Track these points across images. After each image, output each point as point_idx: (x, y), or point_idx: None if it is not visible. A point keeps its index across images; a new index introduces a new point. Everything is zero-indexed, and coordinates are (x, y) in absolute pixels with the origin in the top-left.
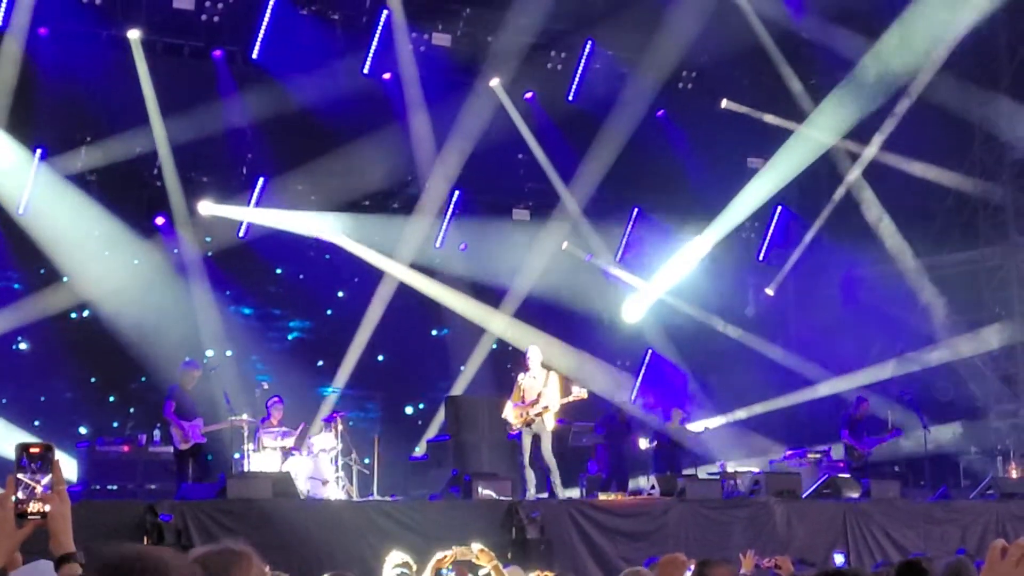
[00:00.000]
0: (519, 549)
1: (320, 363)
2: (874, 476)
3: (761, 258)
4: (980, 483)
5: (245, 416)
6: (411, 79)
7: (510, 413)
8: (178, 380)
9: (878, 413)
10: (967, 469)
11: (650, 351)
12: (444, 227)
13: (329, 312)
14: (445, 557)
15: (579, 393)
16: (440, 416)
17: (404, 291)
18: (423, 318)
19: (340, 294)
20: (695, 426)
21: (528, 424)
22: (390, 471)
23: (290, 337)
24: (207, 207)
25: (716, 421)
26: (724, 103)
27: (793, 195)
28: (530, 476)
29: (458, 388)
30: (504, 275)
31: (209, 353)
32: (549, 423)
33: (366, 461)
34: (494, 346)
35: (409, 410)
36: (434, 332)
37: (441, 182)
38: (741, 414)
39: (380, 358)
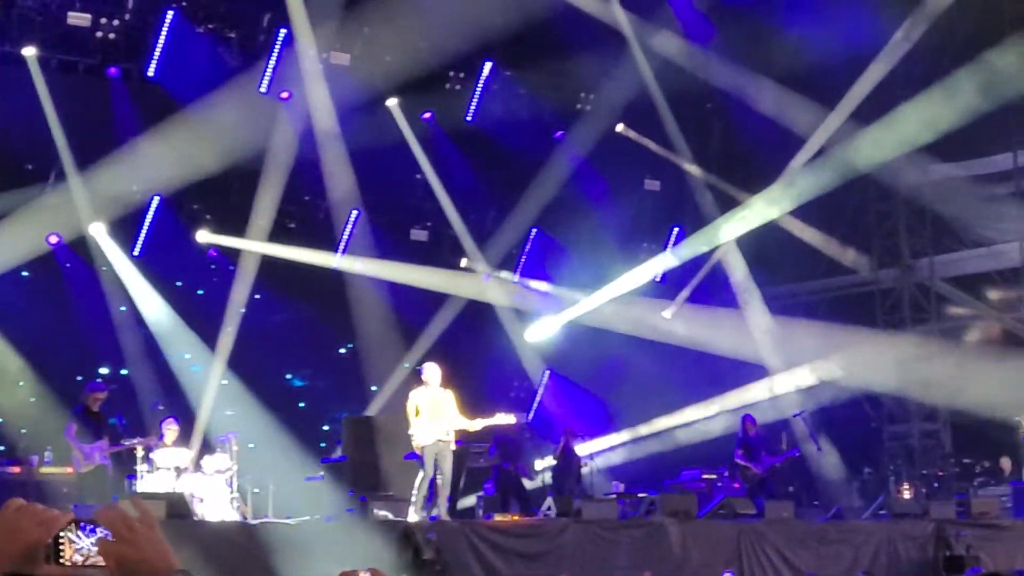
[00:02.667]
0: (415, 570)
1: (224, 382)
2: (768, 496)
3: (658, 279)
4: (873, 503)
5: (137, 439)
6: (310, 98)
7: (425, 431)
8: (83, 402)
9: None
10: (860, 489)
11: (548, 373)
12: (343, 247)
13: (230, 329)
14: None
15: (507, 418)
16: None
17: (309, 309)
18: (331, 336)
19: (242, 310)
20: (580, 449)
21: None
22: (287, 492)
23: (187, 356)
24: (98, 230)
25: (604, 442)
26: (619, 128)
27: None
28: (424, 495)
29: (373, 408)
30: (403, 294)
31: (103, 371)
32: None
33: (272, 487)
34: (406, 365)
35: (312, 429)
36: (342, 350)
37: (340, 202)
38: (625, 436)
39: (288, 376)
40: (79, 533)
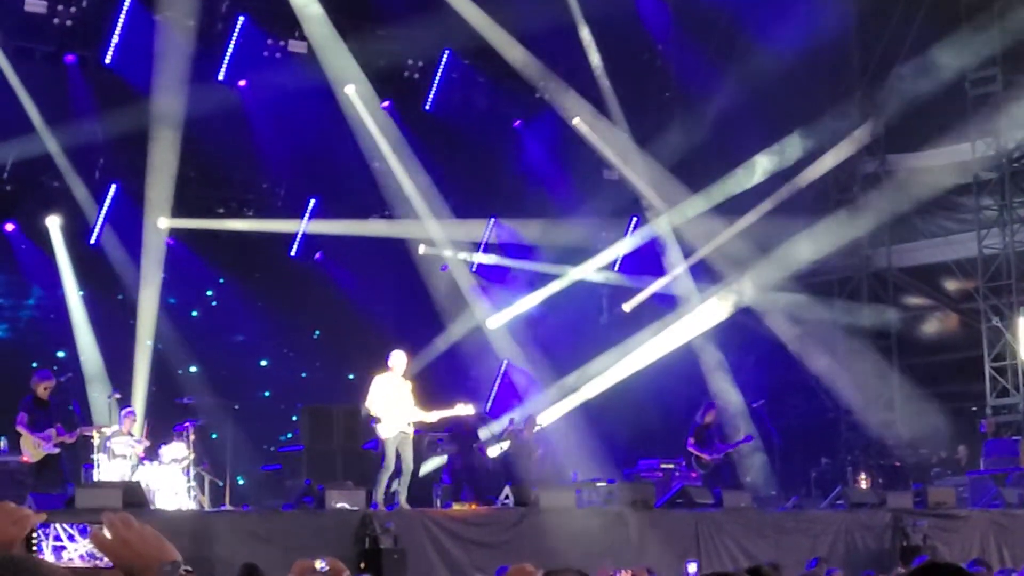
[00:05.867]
0: (373, 559)
1: (192, 369)
2: (723, 485)
3: (616, 268)
4: (830, 493)
5: (96, 427)
6: (267, 86)
7: (389, 422)
8: (32, 390)
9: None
10: (818, 479)
11: (506, 362)
12: (300, 235)
13: (195, 314)
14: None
15: (465, 408)
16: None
17: (278, 296)
18: (299, 324)
19: (209, 292)
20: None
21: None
22: (244, 481)
23: (148, 342)
24: (53, 222)
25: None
26: (575, 121)
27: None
28: (387, 483)
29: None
30: (362, 283)
31: (60, 355)
32: None
33: (220, 484)
34: None
35: (280, 418)
36: (315, 335)
37: (297, 190)
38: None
39: (263, 363)
40: (67, 529)
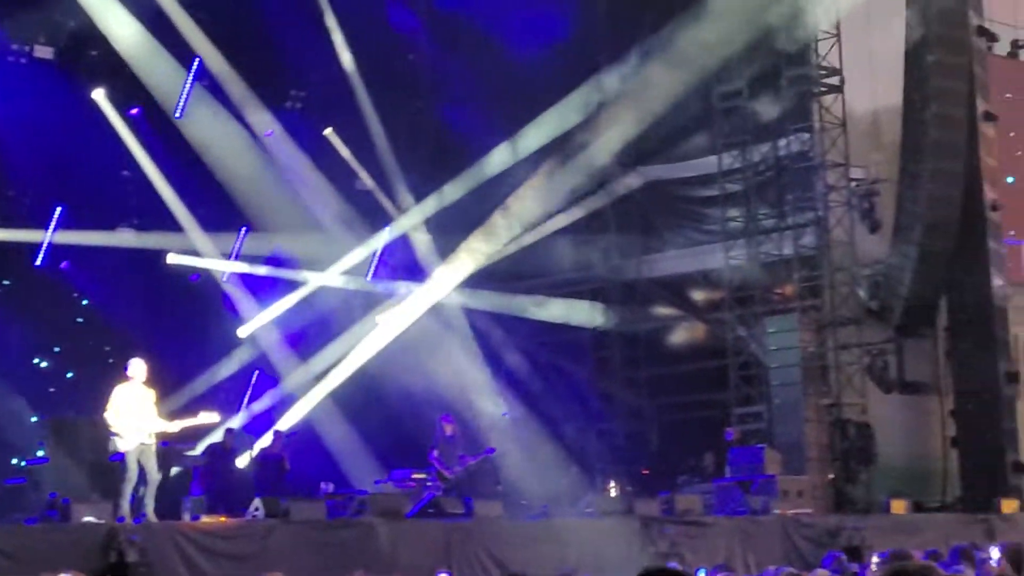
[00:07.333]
0: (119, 573)
1: None
2: (478, 495)
3: (368, 278)
4: (579, 501)
5: None
6: (12, 92)
7: (129, 433)
8: None
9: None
10: (569, 487)
11: (258, 372)
12: (46, 245)
13: None
14: None
15: (210, 417)
16: None
17: (25, 306)
18: (48, 334)
19: None
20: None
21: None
22: None
23: None
24: None
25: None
26: (327, 131)
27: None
28: (128, 499)
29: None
30: (111, 293)
31: None
32: None
33: None
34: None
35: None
36: (56, 349)
37: (42, 198)
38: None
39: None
40: None
